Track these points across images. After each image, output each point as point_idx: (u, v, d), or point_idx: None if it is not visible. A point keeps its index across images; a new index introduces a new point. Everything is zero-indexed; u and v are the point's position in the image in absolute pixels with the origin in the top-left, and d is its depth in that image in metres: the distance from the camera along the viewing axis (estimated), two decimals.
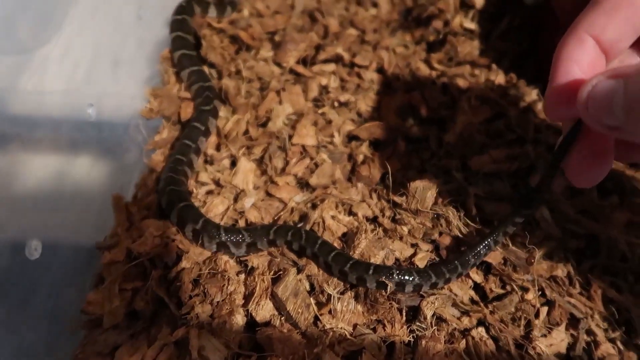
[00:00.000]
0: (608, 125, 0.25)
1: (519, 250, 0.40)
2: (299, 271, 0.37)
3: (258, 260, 0.38)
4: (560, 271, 0.40)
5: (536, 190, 0.43)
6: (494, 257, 0.39)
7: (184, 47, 0.51)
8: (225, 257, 0.38)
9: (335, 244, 0.40)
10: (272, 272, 0.36)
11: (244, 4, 0.58)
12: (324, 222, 0.41)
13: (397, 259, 0.39)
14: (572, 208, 0.43)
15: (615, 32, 0.27)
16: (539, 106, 0.50)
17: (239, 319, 0.34)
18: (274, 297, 0.35)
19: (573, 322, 0.38)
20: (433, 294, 0.37)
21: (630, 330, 0.38)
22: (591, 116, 0.26)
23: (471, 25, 0.56)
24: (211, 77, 0.51)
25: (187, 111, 0.47)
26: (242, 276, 0.37)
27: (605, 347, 0.37)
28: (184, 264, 0.36)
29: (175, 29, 0.52)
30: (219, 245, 0.38)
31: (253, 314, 0.34)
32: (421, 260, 0.38)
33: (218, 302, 0.35)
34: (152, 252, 0.37)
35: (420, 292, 0.37)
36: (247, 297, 0.35)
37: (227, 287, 0.36)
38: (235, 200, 0.43)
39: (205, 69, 0.51)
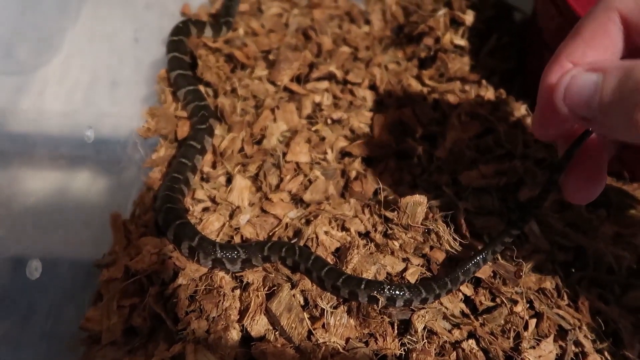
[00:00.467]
0: (582, 117, 0.26)
1: (508, 264, 0.41)
2: (293, 286, 0.38)
3: (253, 276, 0.39)
4: (549, 283, 0.41)
5: (526, 206, 0.44)
6: (484, 271, 0.40)
7: (180, 67, 0.52)
8: (220, 274, 0.39)
9: (329, 259, 0.41)
10: (267, 287, 0.37)
11: (239, 23, 0.60)
12: (317, 237, 0.42)
13: (388, 274, 0.40)
14: (561, 221, 0.44)
15: (594, 59, 0.28)
16: (528, 121, 0.51)
17: (234, 334, 0.35)
18: (268, 313, 0.36)
19: (561, 333, 0.39)
20: (424, 308, 0.38)
21: (618, 341, 0.39)
22: (567, 106, 0.27)
23: (461, 42, 0.57)
24: (207, 96, 0.52)
25: (184, 130, 0.49)
26: (238, 292, 0.38)
27: (593, 358, 0.38)
28: (181, 280, 0.37)
29: (171, 50, 0.54)
30: (214, 262, 0.39)
31: (248, 329, 0.35)
32: (412, 275, 0.39)
33: (214, 317, 0.36)
34: (149, 269, 0.38)
35: (411, 307, 0.38)
36: (242, 313, 0.36)
37: (222, 303, 0.36)
38: (231, 216, 0.44)
39: (201, 88, 0.52)
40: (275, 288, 0.37)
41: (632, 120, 0.23)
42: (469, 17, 0.59)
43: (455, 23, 0.60)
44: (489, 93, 0.53)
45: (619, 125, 0.25)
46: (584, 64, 0.27)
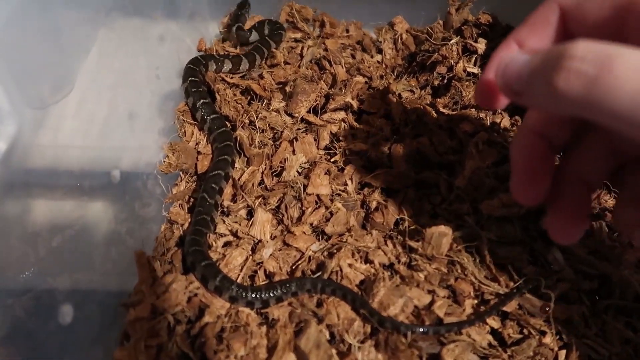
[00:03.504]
0: (515, 90, 0.28)
1: (534, 297, 0.40)
2: (320, 321, 0.38)
3: (279, 312, 0.39)
4: (576, 313, 0.41)
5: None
6: (510, 306, 0.40)
7: (202, 96, 0.53)
8: (246, 310, 0.39)
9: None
10: (294, 324, 0.37)
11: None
12: (341, 270, 0.41)
13: (415, 307, 0.39)
14: (584, 249, 0.44)
15: (535, 43, 0.32)
16: None
17: None
18: (297, 350, 0.36)
19: None
20: (453, 341, 0.38)
21: None
22: (504, 81, 0.29)
23: (474, 69, 0.58)
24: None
25: (204, 164, 0.49)
26: (264, 328, 0.38)
27: None
28: (207, 318, 0.37)
29: (190, 80, 0.55)
30: (247, 304, 0.39)
31: None
32: (440, 309, 0.39)
33: (242, 356, 0.35)
34: (176, 307, 0.38)
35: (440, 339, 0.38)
36: (270, 350, 0.36)
37: (250, 341, 0.36)
38: (253, 250, 0.44)
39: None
40: (303, 324, 0.37)
41: (551, 87, 0.24)
42: (480, 45, 0.59)
43: (467, 51, 0.60)
44: (504, 120, 0.53)
45: (541, 93, 0.26)
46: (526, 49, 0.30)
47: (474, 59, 0.58)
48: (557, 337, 0.39)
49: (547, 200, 0.33)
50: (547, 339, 0.39)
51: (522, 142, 0.33)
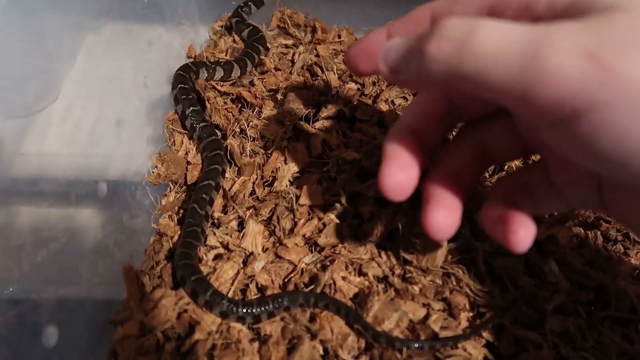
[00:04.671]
0: (393, 69, 0.29)
1: (529, 310, 0.40)
2: (313, 337, 0.37)
3: (271, 327, 0.38)
4: (572, 325, 0.40)
5: (542, 244, 0.43)
6: (505, 318, 0.39)
7: (192, 104, 0.52)
8: (238, 326, 0.38)
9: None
10: (287, 340, 0.36)
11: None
12: (334, 283, 0.41)
13: (410, 321, 0.39)
14: (579, 259, 0.44)
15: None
16: (537, 156, 0.51)
17: None
18: None
19: None
20: (449, 356, 0.37)
21: None
22: (384, 63, 0.30)
23: None
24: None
25: (194, 174, 0.48)
26: (256, 345, 0.37)
27: None
28: (197, 335, 0.36)
29: (179, 86, 0.54)
30: (237, 319, 0.38)
31: None
32: (435, 323, 0.38)
33: None
34: (165, 324, 0.37)
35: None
36: None
37: (242, 359, 0.35)
38: (245, 263, 0.43)
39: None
40: (296, 341, 0.36)
41: (424, 55, 0.25)
42: None
43: None
44: None
45: (416, 65, 0.27)
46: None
47: None
48: (554, 350, 0.39)
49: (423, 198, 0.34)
50: (544, 352, 0.38)
51: (395, 137, 0.33)
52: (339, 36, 0.67)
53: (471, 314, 0.40)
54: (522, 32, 0.23)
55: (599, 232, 0.46)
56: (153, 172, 0.47)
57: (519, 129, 0.33)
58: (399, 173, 0.32)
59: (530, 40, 0.22)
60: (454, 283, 0.41)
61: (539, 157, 0.44)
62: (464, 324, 0.39)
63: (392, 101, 0.58)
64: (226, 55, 0.60)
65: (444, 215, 0.32)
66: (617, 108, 0.21)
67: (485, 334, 0.39)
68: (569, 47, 0.21)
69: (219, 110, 0.52)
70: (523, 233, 0.30)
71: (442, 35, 0.25)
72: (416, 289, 0.40)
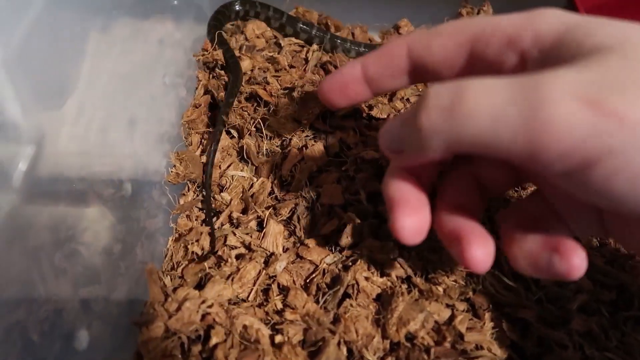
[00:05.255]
0: (394, 149, 0.30)
1: (552, 306, 0.40)
2: (337, 338, 0.37)
3: (293, 330, 0.37)
4: (595, 325, 0.40)
5: None
6: (530, 315, 0.39)
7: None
8: (256, 325, 0.37)
9: (371, 307, 0.40)
10: (310, 344, 0.36)
11: (258, 60, 0.59)
12: (357, 284, 0.40)
13: (436, 322, 0.38)
14: (601, 258, 0.43)
15: (376, 71, 0.36)
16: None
17: None
18: None
19: None
20: (475, 357, 0.37)
21: None
22: (384, 144, 0.31)
23: None
24: (232, 137, 0.51)
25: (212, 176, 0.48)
26: (276, 347, 0.37)
27: None
28: (215, 339, 0.36)
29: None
30: None
31: None
32: (461, 324, 0.38)
33: None
34: (189, 326, 0.36)
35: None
36: None
37: (263, 359, 0.35)
38: (266, 263, 0.42)
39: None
40: (321, 343, 0.36)
41: (417, 128, 0.25)
42: None
43: None
44: None
45: (412, 140, 0.27)
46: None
47: None
48: (579, 350, 0.39)
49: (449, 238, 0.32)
50: (568, 353, 0.38)
51: (395, 179, 0.33)
52: (353, 34, 0.67)
53: (495, 314, 0.40)
54: (513, 87, 0.22)
55: None
56: (172, 172, 0.47)
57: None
58: (414, 217, 0.31)
59: (524, 95, 0.22)
60: (477, 283, 0.41)
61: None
62: (489, 324, 0.39)
63: (408, 99, 0.58)
64: (239, 51, 0.59)
65: (482, 249, 0.30)
66: (628, 152, 0.20)
67: (509, 334, 0.39)
68: (568, 96, 0.21)
69: (234, 109, 0.51)
70: (577, 260, 0.27)
71: (431, 106, 0.24)
72: (440, 289, 0.40)
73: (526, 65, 0.29)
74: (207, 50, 0.58)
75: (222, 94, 0.52)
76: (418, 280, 0.41)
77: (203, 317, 0.37)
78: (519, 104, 0.21)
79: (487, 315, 0.39)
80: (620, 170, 0.21)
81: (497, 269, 0.42)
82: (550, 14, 0.28)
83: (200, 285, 0.41)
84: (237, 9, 0.64)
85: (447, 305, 0.39)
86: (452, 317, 0.39)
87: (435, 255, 0.42)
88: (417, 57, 0.33)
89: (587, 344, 0.39)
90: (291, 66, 0.60)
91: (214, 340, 0.36)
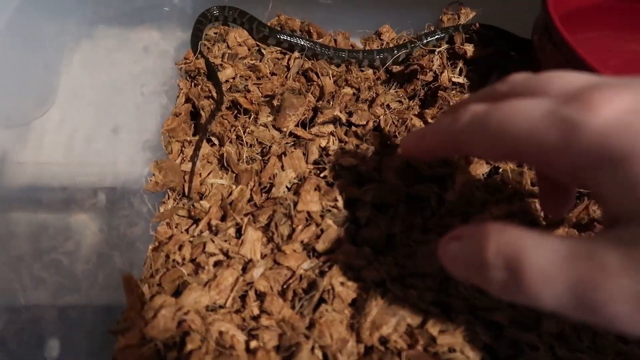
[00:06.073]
0: (465, 279, 0.29)
1: (526, 310, 0.40)
2: (312, 342, 0.38)
3: (268, 336, 0.38)
4: (567, 327, 0.41)
5: None
6: (503, 317, 0.40)
7: None
8: (231, 331, 0.38)
9: (346, 311, 0.40)
10: (284, 349, 0.37)
11: (240, 68, 0.60)
12: (333, 289, 0.41)
13: (409, 325, 0.39)
14: None
15: None
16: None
17: None
18: None
19: None
20: (447, 359, 0.38)
21: None
22: (449, 271, 0.29)
23: (460, 79, 0.58)
24: (212, 145, 0.52)
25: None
26: (251, 353, 0.37)
27: None
28: (190, 345, 0.36)
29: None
30: None
31: None
32: (434, 327, 0.38)
33: None
34: (165, 333, 0.37)
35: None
36: None
37: None
38: (244, 270, 0.43)
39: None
40: (295, 348, 0.37)
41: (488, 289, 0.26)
42: (469, 52, 0.59)
43: (455, 57, 0.61)
44: None
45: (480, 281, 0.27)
46: (450, 233, 0.30)
47: (459, 67, 0.58)
48: (550, 352, 0.39)
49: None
50: (540, 355, 0.39)
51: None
52: (335, 41, 0.68)
53: (469, 317, 0.41)
54: (567, 264, 0.23)
55: (592, 234, 0.46)
56: (151, 180, 0.48)
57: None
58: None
59: (577, 279, 0.22)
60: (452, 287, 0.41)
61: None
62: (462, 327, 0.40)
63: (388, 105, 0.58)
64: (221, 59, 0.60)
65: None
66: None
67: (482, 337, 0.39)
68: (627, 296, 0.21)
69: (214, 117, 0.52)
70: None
71: (489, 278, 0.25)
72: (414, 293, 0.41)
73: None
74: (189, 59, 0.58)
75: (203, 102, 0.53)
76: (392, 285, 0.41)
77: (179, 324, 0.38)
78: (572, 284, 0.22)
79: (461, 319, 0.40)
80: None
81: None
82: None
83: (177, 293, 0.41)
84: (216, 14, 0.65)
85: (421, 310, 0.40)
86: (425, 321, 0.39)
87: (410, 261, 0.43)
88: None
89: (559, 345, 0.40)
90: (273, 74, 0.60)
91: (189, 347, 0.36)
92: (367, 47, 0.67)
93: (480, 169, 0.50)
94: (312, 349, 0.37)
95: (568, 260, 0.23)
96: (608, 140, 0.23)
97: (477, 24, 0.61)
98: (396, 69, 0.63)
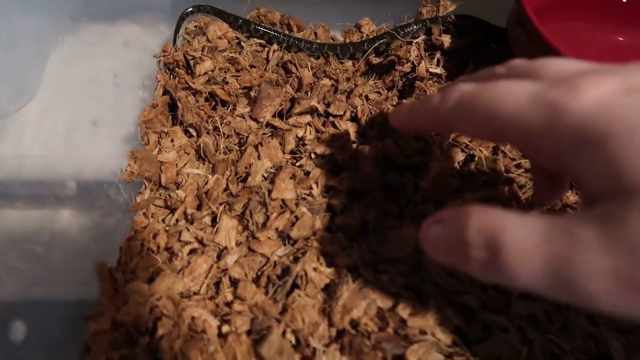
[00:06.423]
0: (445, 262, 0.29)
1: (496, 292, 0.41)
2: (284, 327, 0.38)
3: (241, 321, 0.38)
4: (539, 309, 0.41)
5: None
6: (474, 301, 0.40)
7: None
8: (204, 316, 0.38)
9: (319, 296, 0.41)
10: (255, 333, 0.37)
11: (219, 60, 0.60)
12: (306, 274, 0.41)
13: (380, 309, 0.39)
14: None
15: None
16: (508, 146, 0.52)
17: None
18: (258, 357, 0.35)
19: (554, 358, 0.39)
20: (417, 341, 0.38)
21: None
22: (430, 255, 0.30)
23: (437, 70, 0.58)
24: (190, 136, 0.52)
25: (168, 175, 0.48)
26: (223, 337, 0.37)
27: None
28: (161, 331, 0.37)
29: None
30: None
31: None
32: (404, 310, 0.39)
33: None
34: (137, 319, 0.37)
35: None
36: (230, 358, 0.36)
37: (207, 348, 0.36)
38: (219, 257, 0.43)
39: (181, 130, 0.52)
40: (265, 332, 0.37)
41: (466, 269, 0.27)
42: (445, 43, 0.60)
43: (432, 48, 0.61)
44: None
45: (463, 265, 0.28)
46: (432, 216, 0.30)
47: (436, 58, 0.59)
48: (520, 334, 0.40)
49: None
50: (510, 336, 0.39)
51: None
52: (315, 34, 0.68)
53: (440, 301, 0.41)
54: (544, 241, 0.23)
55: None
56: (126, 170, 0.48)
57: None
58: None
59: (553, 255, 0.23)
60: (424, 272, 0.42)
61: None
62: (433, 310, 0.40)
63: (366, 96, 0.59)
64: (201, 52, 0.60)
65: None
66: None
67: (453, 320, 0.40)
68: (602, 272, 0.22)
69: (191, 109, 0.52)
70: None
71: (471, 256, 0.26)
72: (385, 278, 0.41)
73: None
74: (167, 52, 0.59)
75: (180, 93, 0.53)
76: (365, 270, 0.42)
77: (151, 309, 0.38)
78: (549, 261, 0.23)
79: (432, 302, 0.40)
80: None
81: None
82: None
83: (151, 280, 0.42)
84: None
85: (392, 294, 0.40)
86: (396, 305, 0.39)
87: (383, 247, 0.43)
88: None
89: (530, 328, 0.40)
90: (252, 66, 0.61)
91: (160, 332, 0.37)
92: (348, 40, 0.67)
93: (456, 157, 0.50)
94: (284, 332, 0.38)
95: (545, 237, 0.23)
96: (589, 122, 0.23)
97: (453, 16, 0.62)
98: (375, 60, 0.63)
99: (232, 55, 0.61)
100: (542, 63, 0.29)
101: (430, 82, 0.57)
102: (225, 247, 0.44)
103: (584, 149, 0.23)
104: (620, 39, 0.62)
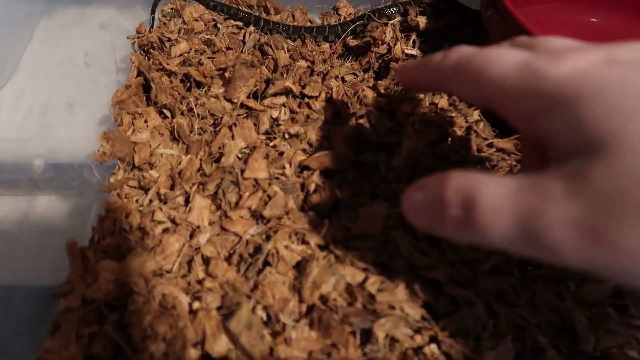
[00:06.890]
0: (424, 227, 0.30)
1: (464, 268, 0.41)
2: (254, 303, 0.39)
3: (211, 297, 0.39)
4: (506, 284, 0.42)
5: None
6: (442, 275, 0.41)
7: None
8: (174, 293, 0.39)
9: (290, 274, 0.41)
10: (225, 308, 0.37)
11: (195, 42, 0.60)
12: (277, 252, 0.42)
13: (348, 284, 0.40)
14: None
15: None
16: (481, 126, 0.52)
17: (193, 354, 0.35)
18: (227, 332, 0.36)
19: (520, 332, 0.40)
20: (385, 316, 0.39)
21: (574, 335, 0.40)
22: (409, 220, 0.31)
23: (412, 51, 0.58)
24: (164, 117, 0.52)
25: (141, 155, 0.48)
26: (193, 313, 0.38)
27: (551, 354, 0.39)
28: (131, 307, 0.37)
29: None
30: None
31: (208, 350, 0.35)
32: (373, 285, 0.39)
33: (169, 339, 0.35)
34: (107, 295, 0.37)
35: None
36: (200, 333, 0.36)
37: (177, 323, 0.36)
38: (191, 236, 0.44)
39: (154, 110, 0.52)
40: (235, 308, 0.38)
41: (441, 230, 0.28)
42: (421, 24, 0.60)
43: (407, 29, 0.61)
44: (442, 101, 0.54)
45: (439, 227, 0.29)
46: (416, 183, 0.32)
47: (412, 39, 0.59)
48: (487, 308, 0.40)
49: None
50: (477, 310, 0.40)
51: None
52: (293, 16, 0.68)
53: (409, 277, 0.42)
54: (514, 196, 0.24)
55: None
56: (98, 151, 0.48)
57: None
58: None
59: (522, 208, 0.23)
60: (393, 248, 0.42)
61: None
62: (402, 285, 0.41)
63: (342, 78, 0.59)
64: (177, 34, 0.60)
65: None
66: (619, 276, 0.23)
67: (422, 295, 0.41)
68: (566, 222, 0.22)
69: (164, 90, 0.52)
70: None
71: (447, 215, 0.27)
72: (356, 254, 0.42)
73: None
74: (141, 33, 0.58)
75: (154, 74, 0.53)
76: (336, 247, 0.42)
77: (121, 286, 0.38)
78: (517, 216, 0.24)
79: (401, 278, 0.41)
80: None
81: (413, 236, 0.43)
82: None
83: (123, 258, 0.42)
84: None
85: (361, 270, 0.41)
86: (365, 280, 0.40)
87: (354, 224, 0.44)
88: None
89: (497, 302, 0.41)
90: (228, 48, 0.61)
91: (130, 308, 0.37)
92: (326, 22, 0.67)
93: (429, 136, 0.51)
94: (253, 308, 0.38)
95: (516, 193, 0.24)
96: (563, 85, 0.25)
97: None
98: (352, 42, 0.63)
99: (208, 37, 0.60)
100: (542, 39, 0.31)
101: (405, 63, 0.57)
102: (198, 226, 0.44)
103: (555, 109, 0.25)
104: (594, 20, 0.62)
